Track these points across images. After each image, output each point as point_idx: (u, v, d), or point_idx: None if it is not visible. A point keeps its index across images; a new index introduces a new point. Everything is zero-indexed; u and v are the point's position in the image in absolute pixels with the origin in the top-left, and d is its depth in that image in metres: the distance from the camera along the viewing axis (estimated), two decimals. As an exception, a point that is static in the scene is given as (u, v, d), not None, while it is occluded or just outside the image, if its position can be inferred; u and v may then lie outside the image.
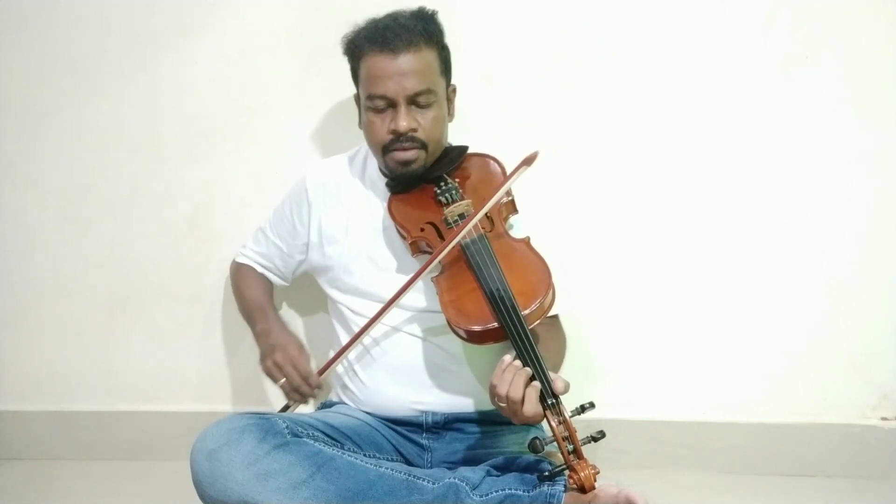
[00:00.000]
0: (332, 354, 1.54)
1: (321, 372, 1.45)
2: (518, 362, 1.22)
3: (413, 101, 1.38)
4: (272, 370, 1.46)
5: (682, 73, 1.68)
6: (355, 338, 1.42)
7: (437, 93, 1.41)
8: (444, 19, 1.45)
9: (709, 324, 1.72)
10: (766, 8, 1.65)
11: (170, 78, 1.79)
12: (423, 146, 1.40)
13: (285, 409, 1.47)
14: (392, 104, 1.38)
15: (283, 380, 1.44)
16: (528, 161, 1.37)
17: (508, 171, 1.43)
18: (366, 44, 1.40)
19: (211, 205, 1.81)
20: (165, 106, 1.80)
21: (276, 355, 1.46)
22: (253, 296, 1.63)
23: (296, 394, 1.44)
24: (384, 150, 1.41)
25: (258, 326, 1.57)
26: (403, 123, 1.37)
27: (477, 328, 1.28)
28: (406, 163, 1.41)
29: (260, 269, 1.65)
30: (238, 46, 1.77)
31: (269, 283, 1.66)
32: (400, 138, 1.39)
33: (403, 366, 1.44)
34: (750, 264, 1.70)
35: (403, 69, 1.36)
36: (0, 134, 1.85)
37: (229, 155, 1.80)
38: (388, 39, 1.36)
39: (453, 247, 1.34)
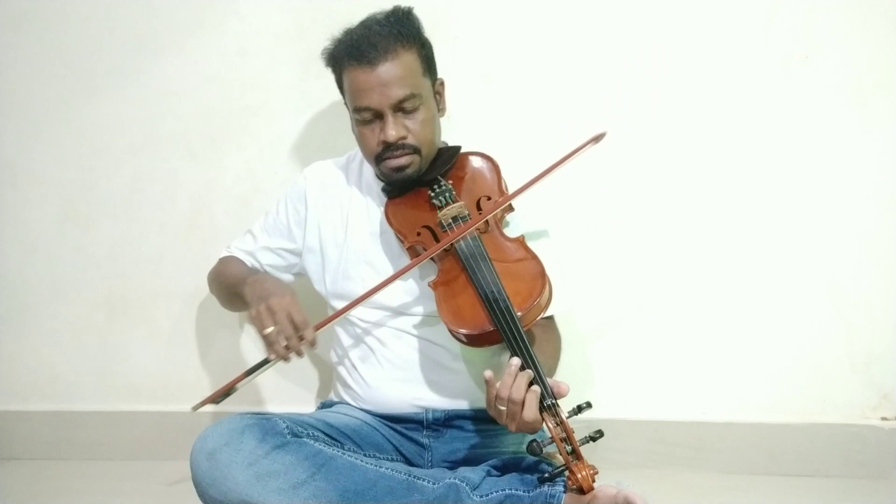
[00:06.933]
0: (333, 357, 1.54)
1: (318, 326, 1.31)
2: (519, 360, 1.21)
3: (398, 108, 1.37)
4: (262, 314, 1.29)
5: (682, 73, 1.68)
6: (360, 300, 1.35)
7: (422, 95, 1.39)
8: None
9: (709, 324, 1.72)
10: (767, 8, 1.65)
11: (170, 78, 1.79)
12: (416, 150, 1.39)
13: (258, 366, 1.32)
14: (378, 115, 1.37)
15: (272, 328, 1.28)
16: (597, 139, 1.37)
17: (500, 175, 1.44)
18: (344, 58, 1.38)
19: (211, 205, 1.81)
20: (165, 106, 1.80)
21: (272, 300, 1.30)
22: (239, 269, 1.53)
23: (282, 347, 1.27)
24: (377, 160, 1.41)
25: (250, 278, 1.42)
26: (392, 132, 1.36)
27: (474, 332, 1.27)
28: (400, 168, 1.40)
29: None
30: (238, 46, 1.77)
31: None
32: (391, 147, 1.38)
33: (405, 363, 1.44)
34: (750, 264, 1.70)
35: (384, 79, 1.34)
36: (0, 134, 1.85)
37: (229, 155, 1.80)
38: (363, 51, 1.35)
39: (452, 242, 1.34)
